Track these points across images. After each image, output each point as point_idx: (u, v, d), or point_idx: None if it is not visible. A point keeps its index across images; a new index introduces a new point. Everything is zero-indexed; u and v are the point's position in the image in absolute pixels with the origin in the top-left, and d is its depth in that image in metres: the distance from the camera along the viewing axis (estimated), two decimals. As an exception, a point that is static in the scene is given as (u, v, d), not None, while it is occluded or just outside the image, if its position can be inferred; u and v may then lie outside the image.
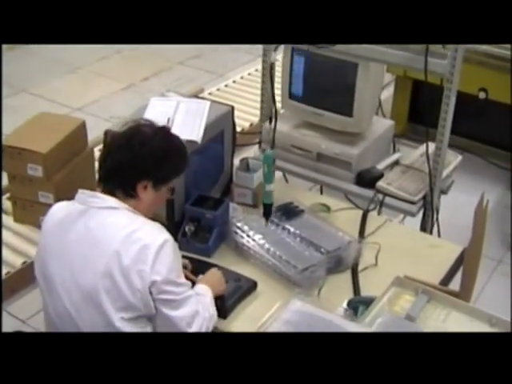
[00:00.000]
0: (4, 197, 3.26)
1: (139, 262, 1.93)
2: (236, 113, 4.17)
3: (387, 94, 4.61)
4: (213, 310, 2.11)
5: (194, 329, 1.99)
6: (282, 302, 2.08)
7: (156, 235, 1.99)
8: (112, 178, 2.05)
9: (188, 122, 2.59)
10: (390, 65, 3.28)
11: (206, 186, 2.75)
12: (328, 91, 3.01)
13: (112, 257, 1.94)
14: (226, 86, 4.84)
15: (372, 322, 1.93)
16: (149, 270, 1.93)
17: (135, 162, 2.03)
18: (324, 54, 2.88)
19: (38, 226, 2.97)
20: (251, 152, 3.39)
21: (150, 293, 1.95)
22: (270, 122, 2.99)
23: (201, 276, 2.26)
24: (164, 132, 2.15)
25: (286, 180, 3.38)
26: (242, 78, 5.36)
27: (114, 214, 2.01)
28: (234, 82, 5.17)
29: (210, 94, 4.67)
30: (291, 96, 3.12)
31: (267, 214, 2.62)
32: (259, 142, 3.33)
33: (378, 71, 2.99)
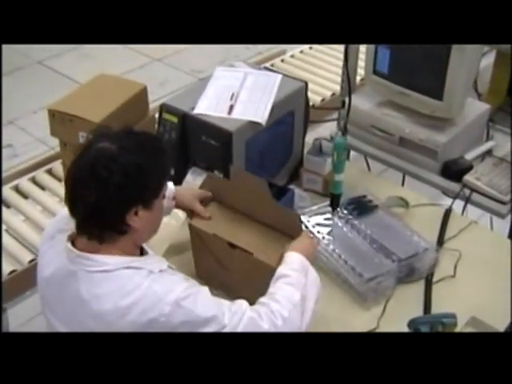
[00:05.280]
0: (57, 162, 3.11)
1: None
2: (318, 80, 3.92)
3: (485, 62, 4.13)
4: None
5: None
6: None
7: (155, 307, 1.59)
8: (92, 225, 1.62)
9: (254, 100, 2.32)
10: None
11: (272, 169, 2.49)
12: (417, 69, 2.67)
13: (105, 327, 1.62)
14: (310, 48, 4.50)
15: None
16: None
17: (111, 195, 1.56)
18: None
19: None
20: (329, 128, 3.09)
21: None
22: (343, 105, 2.68)
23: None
24: (127, 136, 1.66)
25: (369, 168, 3.08)
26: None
27: (108, 280, 1.62)
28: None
29: (292, 56, 4.35)
30: (375, 71, 2.79)
31: (334, 205, 2.39)
32: (338, 119, 3.03)
33: (475, 50, 2.62)
